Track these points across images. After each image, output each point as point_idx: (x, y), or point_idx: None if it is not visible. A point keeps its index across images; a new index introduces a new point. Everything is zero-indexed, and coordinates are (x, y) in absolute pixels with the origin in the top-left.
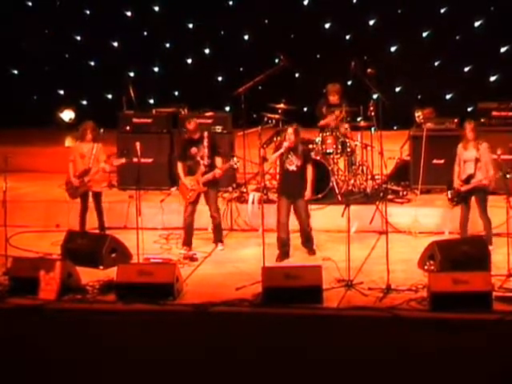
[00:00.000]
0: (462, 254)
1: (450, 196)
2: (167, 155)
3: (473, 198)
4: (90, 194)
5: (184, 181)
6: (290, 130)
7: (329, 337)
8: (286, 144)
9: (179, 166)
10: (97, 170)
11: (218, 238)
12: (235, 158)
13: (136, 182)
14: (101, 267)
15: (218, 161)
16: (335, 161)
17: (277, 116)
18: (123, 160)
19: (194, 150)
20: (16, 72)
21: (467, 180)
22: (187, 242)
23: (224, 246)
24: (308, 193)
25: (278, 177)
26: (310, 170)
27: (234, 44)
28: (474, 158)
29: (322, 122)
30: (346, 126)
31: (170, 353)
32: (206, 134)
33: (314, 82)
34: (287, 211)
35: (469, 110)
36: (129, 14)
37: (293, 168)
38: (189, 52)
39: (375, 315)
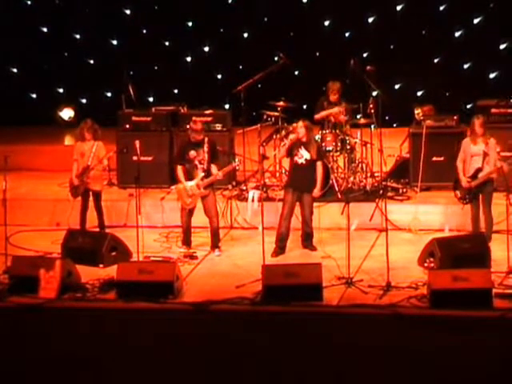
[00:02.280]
0: (461, 251)
1: (459, 195)
2: (167, 153)
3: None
4: (91, 192)
5: (185, 185)
6: (300, 124)
7: (329, 334)
8: (291, 137)
9: (178, 169)
10: (94, 166)
11: (215, 244)
12: (237, 160)
13: (136, 181)
14: (101, 265)
15: (214, 168)
16: (335, 158)
17: (276, 114)
18: (111, 153)
19: (192, 153)
20: (15, 70)
21: (474, 175)
22: (186, 242)
23: (221, 251)
24: (317, 191)
25: (278, 174)
26: (320, 167)
27: (233, 42)
28: (482, 152)
29: (321, 114)
30: (345, 118)
31: (170, 351)
32: (206, 139)
33: (314, 79)
34: (292, 206)
35: (468, 107)
36: (128, 12)
37: (302, 161)
38: (188, 50)
39: (375, 313)
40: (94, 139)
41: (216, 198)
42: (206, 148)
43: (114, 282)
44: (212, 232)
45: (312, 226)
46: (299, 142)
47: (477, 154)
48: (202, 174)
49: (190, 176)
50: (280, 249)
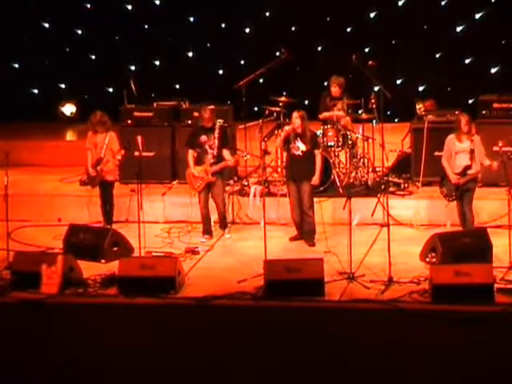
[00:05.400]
0: (463, 246)
1: (446, 192)
2: (169, 148)
3: None
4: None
5: (193, 170)
6: (295, 115)
7: (331, 330)
8: (287, 128)
9: (189, 153)
10: (107, 160)
11: (223, 225)
12: (245, 154)
13: (137, 176)
14: (103, 261)
15: (226, 153)
16: (336, 154)
17: (278, 109)
18: (122, 152)
19: (203, 138)
20: (17, 66)
21: (463, 172)
22: (207, 231)
23: (230, 232)
24: (315, 179)
25: (284, 163)
26: (318, 156)
27: (235, 37)
28: (468, 150)
29: (325, 114)
30: (347, 118)
31: (171, 346)
32: (217, 125)
33: (315, 74)
34: (297, 196)
35: (470, 101)
36: (129, 7)
37: (298, 153)
38: (190, 45)
39: (377, 308)
40: (106, 131)
41: (224, 186)
42: (216, 134)
43: (115, 278)
44: (218, 214)
45: (313, 217)
46: (295, 133)
47: (463, 151)
48: (212, 160)
49: (200, 160)
50: (301, 234)
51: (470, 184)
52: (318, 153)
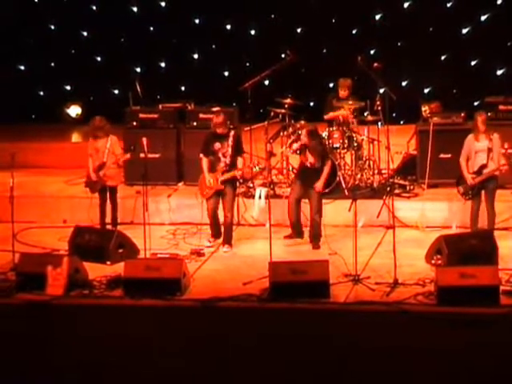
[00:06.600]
0: (469, 248)
1: (462, 191)
2: (174, 150)
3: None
4: (108, 188)
5: (206, 176)
6: (304, 132)
7: (335, 331)
8: (295, 146)
9: (203, 160)
10: (109, 165)
11: (226, 240)
12: (257, 167)
13: (143, 178)
14: (108, 263)
15: (240, 161)
16: (342, 155)
17: (283, 111)
18: (128, 155)
19: (217, 145)
20: (22, 68)
21: (479, 171)
22: (215, 234)
23: (231, 248)
24: (319, 185)
25: (285, 171)
26: (326, 166)
27: (240, 39)
28: (486, 148)
29: (331, 115)
30: (353, 120)
31: (176, 348)
32: (232, 132)
33: (321, 76)
34: (298, 193)
35: (475, 104)
36: (135, 9)
37: (307, 164)
38: (195, 47)
39: (382, 310)
40: (106, 135)
41: (234, 195)
42: (230, 142)
43: (121, 279)
44: (224, 227)
45: (319, 221)
46: (305, 146)
47: (481, 150)
48: (224, 168)
49: (212, 168)
50: (296, 233)
51: (489, 183)
52: (327, 163)
